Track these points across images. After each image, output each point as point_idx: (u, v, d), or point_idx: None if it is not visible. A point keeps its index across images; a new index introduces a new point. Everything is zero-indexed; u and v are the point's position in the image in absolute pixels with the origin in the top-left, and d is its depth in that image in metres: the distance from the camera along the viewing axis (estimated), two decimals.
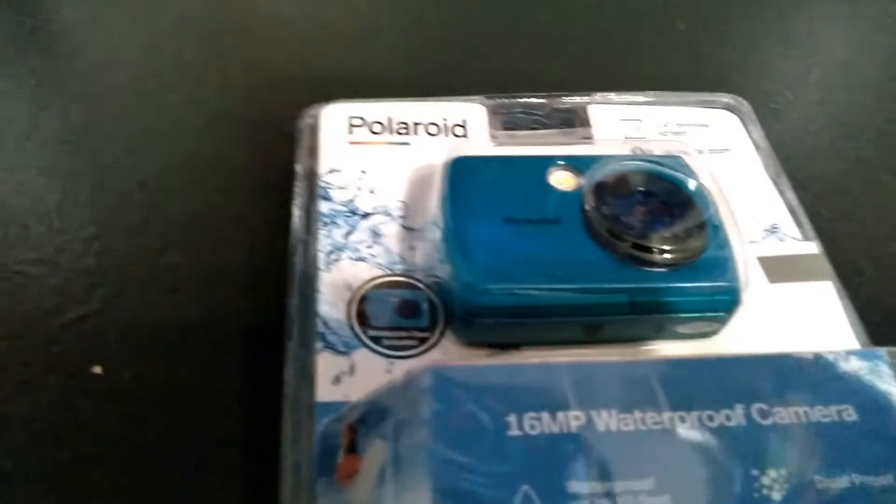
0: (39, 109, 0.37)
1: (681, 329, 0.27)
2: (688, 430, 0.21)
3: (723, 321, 0.28)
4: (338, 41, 0.43)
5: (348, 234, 0.30)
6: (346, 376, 0.26)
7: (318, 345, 0.26)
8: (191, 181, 0.34)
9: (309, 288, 0.28)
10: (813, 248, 0.31)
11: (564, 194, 0.28)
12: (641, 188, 0.29)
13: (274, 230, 0.31)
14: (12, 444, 0.26)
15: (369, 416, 0.23)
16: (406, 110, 0.35)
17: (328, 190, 0.31)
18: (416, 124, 0.34)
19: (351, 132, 0.33)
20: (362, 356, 0.26)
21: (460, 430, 0.20)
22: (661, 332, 0.28)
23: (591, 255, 0.27)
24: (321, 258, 0.29)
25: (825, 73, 0.43)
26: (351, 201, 0.31)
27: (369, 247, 0.29)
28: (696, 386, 0.21)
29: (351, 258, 0.29)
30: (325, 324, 0.27)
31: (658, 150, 0.31)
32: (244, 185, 0.34)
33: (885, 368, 0.22)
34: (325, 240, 0.29)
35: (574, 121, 0.36)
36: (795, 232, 0.32)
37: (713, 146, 0.35)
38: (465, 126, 0.34)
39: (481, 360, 0.27)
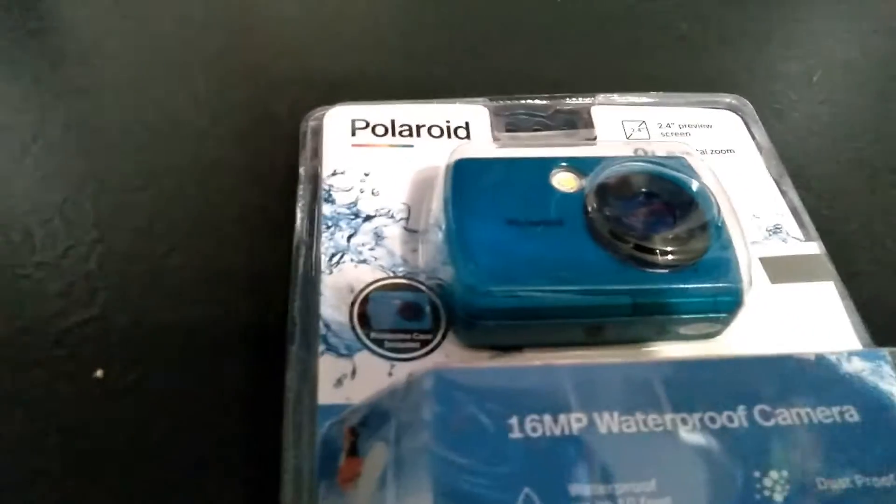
0: (41, 113, 0.37)
1: (683, 330, 0.27)
2: (690, 432, 0.20)
3: (725, 322, 0.28)
4: (339, 41, 0.43)
5: (351, 236, 0.30)
6: (347, 379, 0.26)
7: (320, 347, 0.26)
8: (193, 184, 0.34)
9: (311, 290, 0.28)
10: (815, 248, 0.31)
11: (567, 196, 0.28)
12: (644, 189, 0.29)
13: (277, 233, 0.31)
14: (12, 445, 0.26)
15: (371, 419, 0.23)
16: (409, 113, 0.35)
17: (331, 192, 0.31)
18: (419, 126, 0.34)
19: (354, 135, 0.34)
20: (364, 359, 0.26)
21: (462, 432, 0.20)
22: (663, 334, 0.27)
23: (593, 257, 0.27)
24: (324, 261, 0.29)
25: (828, 73, 0.43)
26: (354, 204, 0.31)
27: (372, 249, 0.29)
28: (697, 387, 0.21)
29: (353, 261, 0.29)
30: (327, 326, 0.27)
31: (661, 151, 0.31)
32: (247, 187, 0.34)
33: (887, 369, 0.22)
34: (328, 242, 0.29)
35: (577, 122, 0.36)
36: (798, 232, 0.32)
37: (716, 147, 0.35)
38: (468, 128, 0.34)
39: (483, 362, 0.27)
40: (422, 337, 0.27)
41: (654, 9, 0.46)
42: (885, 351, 0.23)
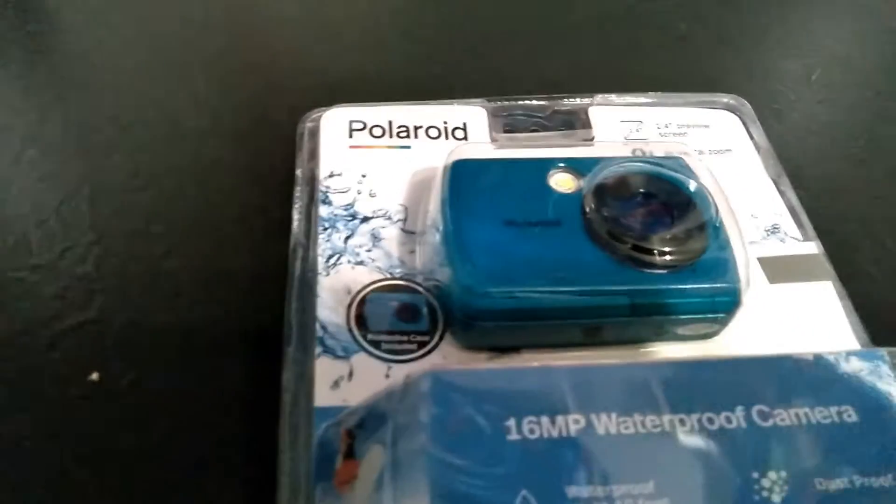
0: (39, 114, 0.37)
1: (681, 330, 0.27)
2: (688, 433, 0.20)
3: (723, 322, 0.27)
4: (338, 42, 0.43)
5: (348, 237, 0.30)
6: (344, 381, 0.26)
7: (317, 349, 0.26)
8: (191, 185, 0.34)
9: (308, 292, 0.28)
10: (813, 248, 0.31)
11: (565, 196, 0.28)
12: (642, 190, 0.29)
13: (274, 234, 0.31)
14: (13, 446, 0.26)
15: (368, 421, 0.22)
16: (406, 114, 0.35)
17: (328, 194, 0.31)
18: (417, 128, 0.34)
19: (351, 136, 0.33)
20: (361, 360, 0.26)
21: (459, 434, 0.20)
22: (661, 334, 0.27)
23: (591, 258, 0.27)
24: (321, 262, 0.29)
25: (826, 73, 0.43)
26: (351, 205, 0.31)
27: (369, 250, 0.29)
28: (695, 388, 0.21)
29: (350, 262, 0.29)
30: (324, 328, 0.27)
31: (659, 151, 0.31)
32: (244, 189, 0.34)
33: (885, 369, 0.22)
34: (325, 244, 0.29)
35: (575, 123, 0.36)
36: (796, 232, 0.32)
37: (714, 147, 0.35)
38: (466, 129, 0.34)
39: (481, 363, 0.26)
40: (419, 338, 0.27)
41: (653, 9, 0.46)
42: (884, 351, 0.23)
